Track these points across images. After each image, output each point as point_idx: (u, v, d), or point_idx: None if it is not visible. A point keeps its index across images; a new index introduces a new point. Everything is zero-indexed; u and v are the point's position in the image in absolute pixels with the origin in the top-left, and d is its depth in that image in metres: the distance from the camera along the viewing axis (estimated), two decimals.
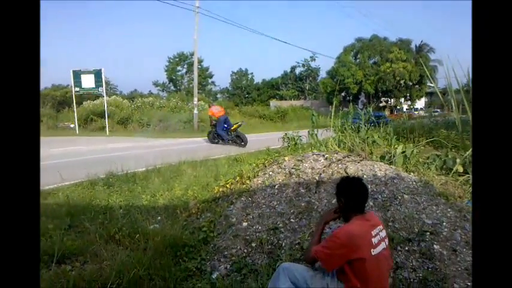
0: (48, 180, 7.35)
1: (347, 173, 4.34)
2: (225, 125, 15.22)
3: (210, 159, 9.75)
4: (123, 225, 4.54)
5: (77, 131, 21.39)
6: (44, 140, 15.43)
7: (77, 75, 20.73)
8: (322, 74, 52.37)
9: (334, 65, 44.43)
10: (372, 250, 2.26)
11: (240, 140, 14.88)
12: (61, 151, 13.42)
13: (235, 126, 15.30)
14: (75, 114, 21.62)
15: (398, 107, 45.51)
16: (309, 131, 8.74)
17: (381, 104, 44.74)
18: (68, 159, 11.38)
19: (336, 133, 8.32)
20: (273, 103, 46.18)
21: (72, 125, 22.50)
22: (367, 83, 42.20)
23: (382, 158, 6.15)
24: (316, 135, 8.42)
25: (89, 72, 20.86)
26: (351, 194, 2.43)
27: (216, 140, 15.39)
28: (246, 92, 57.86)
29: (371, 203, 3.83)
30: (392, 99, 46.37)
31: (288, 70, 55.85)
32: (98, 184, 7.27)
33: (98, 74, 20.85)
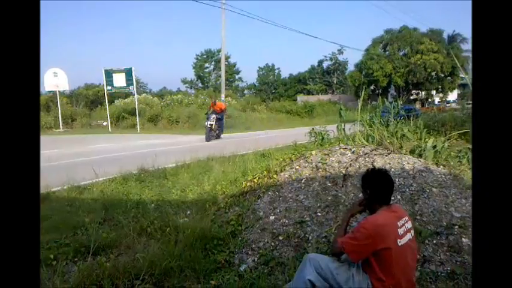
0: (84, 176, 7.69)
1: (374, 166, 4.31)
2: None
3: (238, 154, 9.86)
4: (155, 219, 4.71)
5: (110, 129, 22.04)
6: (78, 138, 16.06)
7: (108, 74, 21.35)
8: (350, 67, 51.53)
9: (362, 58, 43.57)
10: (398, 240, 2.29)
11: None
12: (95, 148, 13.90)
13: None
14: (108, 112, 22.27)
15: (429, 100, 44.24)
16: (337, 126, 8.69)
17: (411, 97, 43.59)
18: (101, 155, 11.77)
19: (364, 127, 8.21)
20: (300, 98, 45.86)
21: (104, 123, 23.20)
22: (397, 76, 41.15)
23: (412, 152, 6.05)
24: (343, 129, 8.36)
25: (120, 71, 21.43)
26: (377, 186, 2.46)
27: (214, 135, 16.12)
28: (273, 87, 57.74)
29: (398, 196, 3.81)
30: (423, 92, 45.08)
31: (315, 64, 55.33)
32: (130, 179, 7.53)
33: (128, 73, 21.39)
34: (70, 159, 11.02)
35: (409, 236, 2.38)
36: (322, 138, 8.52)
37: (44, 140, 10.50)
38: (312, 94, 50.12)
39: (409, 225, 2.42)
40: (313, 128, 9.19)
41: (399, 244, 2.30)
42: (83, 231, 4.59)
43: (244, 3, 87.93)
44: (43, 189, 6.55)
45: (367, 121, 8.51)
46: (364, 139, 6.99)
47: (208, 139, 15.43)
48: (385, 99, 13.98)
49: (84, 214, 5.26)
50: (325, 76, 54.27)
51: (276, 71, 59.20)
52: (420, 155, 5.63)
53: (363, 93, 10.70)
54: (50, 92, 23.71)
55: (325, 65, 54.45)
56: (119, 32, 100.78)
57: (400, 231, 2.33)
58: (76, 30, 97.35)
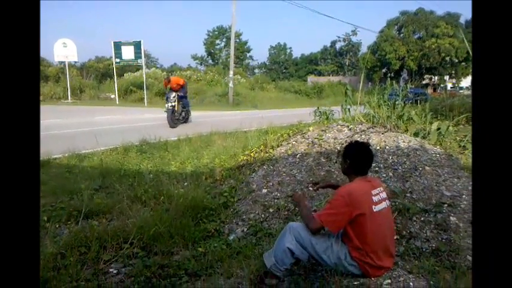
0: (85, 145, 7.76)
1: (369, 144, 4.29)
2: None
3: (241, 131, 9.86)
4: (150, 188, 4.75)
5: (117, 102, 22.13)
6: (85, 109, 16.18)
7: (117, 46, 21.31)
8: (364, 49, 50.72)
9: (376, 40, 42.77)
10: (373, 207, 2.35)
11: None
12: (100, 119, 13.99)
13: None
14: (116, 85, 22.32)
15: (442, 85, 43.50)
16: (341, 105, 8.60)
17: (423, 82, 42.87)
18: (106, 126, 11.86)
19: (370, 109, 8.12)
20: (311, 79, 45.42)
21: (112, 96, 23.29)
22: (410, 59, 40.40)
23: (416, 134, 5.98)
24: (349, 110, 8.27)
25: (129, 44, 21.36)
26: (356, 157, 2.53)
27: (179, 118, 12.67)
28: (284, 67, 57.23)
29: (390, 174, 3.78)
30: (436, 77, 44.31)
31: (328, 45, 54.56)
32: (131, 150, 7.57)
33: (137, 46, 21.32)
34: (74, 129, 11.11)
35: (384, 204, 2.43)
36: (327, 118, 8.46)
37: (51, 109, 10.61)
38: (323, 75, 49.56)
39: (383, 195, 2.47)
40: (318, 107, 9.11)
41: (374, 210, 2.34)
42: (79, 196, 4.64)
43: None
44: (44, 156, 6.64)
45: (374, 103, 8.40)
46: (369, 121, 6.90)
47: (172, 124, 12.02)
48: (394, 82, 13.73)
49: (82, 181, 5.33)
50: (337, 57, 53.57)
51: (288, 51, 58.60)
52: (424, 138, 5.56)
53: (362, 75, 10.52)
54: (60, 62, 23.78)
55: (338, 46, 53.73)
56: (131, 6, 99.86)
57: (375, 198, 2.39)
58: (88, 1, 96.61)
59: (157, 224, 3.59)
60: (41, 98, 21.44)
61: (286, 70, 56.55)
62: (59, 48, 21.45)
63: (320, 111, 8.84)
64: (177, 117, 12.42)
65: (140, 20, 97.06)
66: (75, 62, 27.57)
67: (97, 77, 30.28)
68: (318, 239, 2.44)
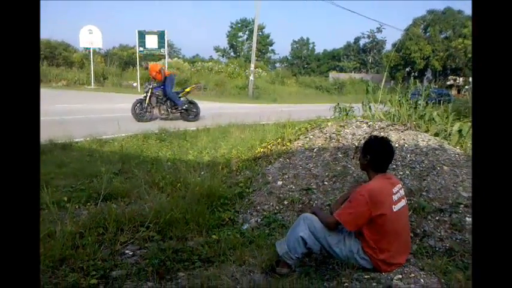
0: (106, 131, 7.93)
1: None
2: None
3: (260, 124, 9.88)
4: (167, 174, 4.83)
5: (139, 89, 22.40)
6: (107, 96, 16.41)
7: (141, 35, 21.58)
8: (388, 47, 49.87)
9: (401, 38, 41.98)
10: (393, 206, 2.31)
11: (192, 109, 11.09)
12: (121, 106, 14.21)
13: (188, 89, 11.53)
14: (138, 73, 22.61)
15: (466, 87, 42.44)
16: (362, 102, 8.51)
17: (448, 82, 41.92)
18: (126, 114, 12.05)
19: (392, 107, 8.01)
20: (332, 75, 44.98)
21: (134, 84, 23.59)
22: (435, 59, 39.52)
23: (437, 134, 5.89)
24: (369, 107, 8.18)
25: (153, 33, 21.60)
26: (377, 153, 2.48)
27: (149, 111, 10.76)
28: (306, 62, 56.78)
29: (407, 172, 3.75)
30: (461, 78, 43.28)
31: (352, 41, 53.87)
32: (151, 138, 7.71)
33: (161, 35, 21.54)
34: (96, 115, 11.34)
35: (403, 202, 2.42)
36: (346, 114, 8.39)
37: (75, 95, 10.83)
38: (345, 72, 49.00)
39: (402, 192, 2.46)
40: (338, 103, 9.05)
41: (394, 210, 2.32)
42: (98, 180, 4.76)
43: None
44: (66, 139, 6.82)
45: (396, 101, 8.28)
46: (390, 119, 6.82)
47: (137, 118, 10.52)
48: (417, 81, 13.43)
49: (102, 165, 5.46)
50: (361, 54, 52.86)
51: (310, 46, 58.08)
52: (445, 138, 5.48)
53: (385, 73, 10.37)
54: (85, 48, 24.18)
55: (361, 42, 53.02)
56: None
57: (395, 197, 2.36)
58: None
59: (173, 210, 3.66)
60: (65, 83, 21.96)
61: (308, 65, 56.09)
62: (85, 34, 21.83)
63: (340, 107, 8.79)
64: (148, 111, 10.69)
65: (165, 9, 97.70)
66: (100, 49, 28.02)
67: (120, 65, 30.68)
68: (331, 232, 2.46)
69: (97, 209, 3.66)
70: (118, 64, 29.97)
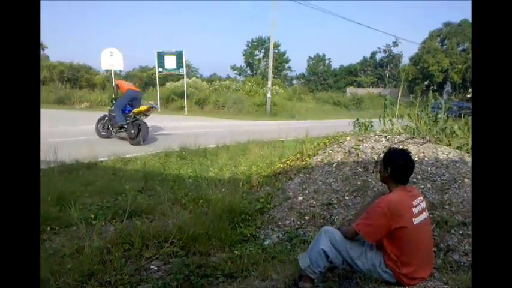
0: (128, 150, 8.13)
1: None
2: (129, 106, 10.02)
3: (278, 140, 9.95)
4: (190, 191, 4.93)
5: (159, 110, 22.85)
6: None
7: (160, 56, 22.09)
8: (405, 61, 49.55)
9: (418, 51, 41.72)
10: (413, 219, 2.31)
11: (135, 130, 9.58)
12: None
13: (143, 108, 9.91)
14: (158, 93, 23.08)
15: None
16: (379, 116, 8.49)
17: (468, 95, 41.22)
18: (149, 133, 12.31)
19: (411, 121, 7.96)
20: (350, 90, 44.87)
21: (153, 103, 24.06)
22: (454, 72, 39.00)
23: (459, 148, 5.83)
24: (390, 121, 8.15)
25: (171, 54, 22.09)
26: (398, 165, 2.47)
27: (105, 130, 10.39)
28: (322, 78, 56.87)
29: (429, 185, 3.74)
30: None
31: (368, 56, 53.81)
32: (172, 156, 7.87)
33: (179, 56, 22.00)
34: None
35: (424, 215, 2.40)
36: (366, 129, 8.38)
37: (97, 115, 11.13)
38: (363, 87, 48.80)
39: (423, 205, 2.45)
40: (357, 119, 9.05)
41: (414, 223, 2.32)
42: (123, 197, 4.88)
43: None
44: (91, 159, 7.02)
45: (415, 115, 8.22)
46: (410, 133, 6.78)
47: (98, 133, 10.39)
48: (437, 95, 13.23)
49: (126, 182, 5.61)
50: (378, 69, 52.66)
51: (327, 61, 58.21)
52: (467, 152, 5.42)
53: (401, 87, 10.29)
54: (106, 70, 24.87)
55: (378, 57, 52.85)
56: (173, 18, 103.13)
57: (415, 210, 2.35)
58: (132, 12, 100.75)
59: (196, 226, 3.74)
60: (88, 104, 22.55)
61: (325, 81, 56.18)
62: (106, 57, 22.45)
63: (359, 122, 8.80)
64: (106, 127, 10.34)
65: (183, 31, 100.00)
66: (121, 71, 28.70)
67: (140, 86, 31.38)
68: (353, 244, 2.47)
69: (122, 226, 3.76)
70: (138, 85, 30.64)
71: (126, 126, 9.65)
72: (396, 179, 2.49)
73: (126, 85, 10.44)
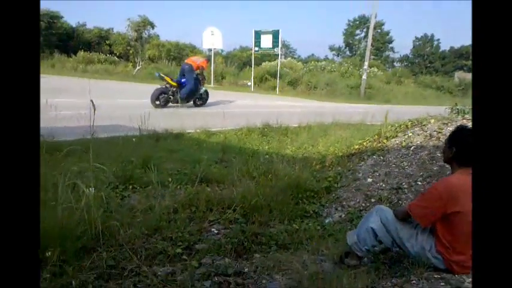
0: (215, 123, 8.57)
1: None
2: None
3: (364, 123, 9.62)
4: (261, 165, 5.06)
5: (252, 89, 23.46)
6: (222, 93, 17.47)
7: (257, 35, 22.49)
8: None
9: None
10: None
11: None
12: (233, 103, 15.11)
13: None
14: (252, 73, 23.66)
15: None
16: None
17: None
18: (237, 109, 12.79)
19: None
20: (458, 74, 40.80)
21: (249, 83, 24.73)
22: None
23: None
24: None
25: (268, 33, 22.34)
26: (464, 144, 2.23)
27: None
28: (428, 60, 52.51)
29: None
30: None
31: None
32: (254, 132, 8.11)
33: (275, 35, 22.16)
34: (208, 109, 12.28)
35: None
36: (463, 116, 7.65)
37: None
38: None
39: None
40: (455, 104, 8.29)
41: None
42: (200, 164, 5.22)
43: None
44: (180, 130, 7.57)
45: None
46: None
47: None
48: None
49: (206, 153, 5.96)
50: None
51: (435, 43, 53.49)
52: None
53: None
54: (208, 50, 26.14)
55: None
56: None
57: None
58: None
59: (259, 196, 3.86)
60: None
61: (431, 64, 51.74)
62: (207, 36, 23.58)
63: (458, 109, 8.04)
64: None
65: (282, 10, 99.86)
66: (222, 50, 29.94)
67: (239, 65, 32.41)
68: (404, 225, 2.35)
69: (192, 190, 4.04)
70: (237, 65, 31.72)
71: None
72: (460, 160, 2.26)
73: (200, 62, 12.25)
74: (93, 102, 2.71)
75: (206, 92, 12.93)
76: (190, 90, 11.68)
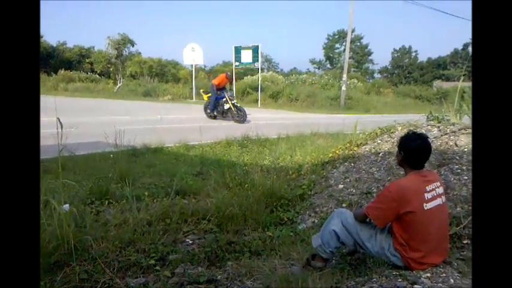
0: (194, 138, 8.63)
1: (456, 145, 3.98)
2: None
3: (342, 133, 9.79)
4: (238, 176, 5.13)
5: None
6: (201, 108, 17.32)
7: (237, 50, 22.76)
8: None
9: None
10: (424, 204, 2.24)
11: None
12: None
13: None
14: (234, 87, 23.84)
15: None
16: (455, 109, 7.91)
17: None
18: (216, 123, 12.86)
19: None
20: (436, 84, 41.81)
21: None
22: None
23: None
24: (466, 114, 7.57)
25: (248, 48, 22.62)
26: (411, 150, 2.40)
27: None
28: (407, 71, 53.71)
29: (465, 177, 3.49)
30: None
31: (460, 48, 49.67)
32: (233, 144, 8.19)
33: (255, 50, 22.45)
34: (188, 124, 12.31)
35: (439, 201, 2.31)
36: (439, 123, 7.86)
37: (178, 107, 11.96)
38: (452, 81, 45.20)
39: (440, 190, 2.34)
40: (430, 112, 8.53)
41: (425, 208, 2.24)
42: (177, 178, 5.27)
43: None
44: (158, 144, 7.61)
45: None
46: None
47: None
48: None
49: (184, 167, 6.02)
50: (470, 61, 48.36)
51: (413, 54, 54.82)
52: None
53: None
54: (191, 65, 26.26)
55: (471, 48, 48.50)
56: (257, 15, 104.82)
57: (428, 195, 2.27)
58: (216, 9, 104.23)
59: (233, 206, 3.92)
60: (171, 97, 24.04)
61: (410, 75, 52.92)
62: (188, 52, 23.73)
63: (433, 116, 8.26)
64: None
65: (262, 26, 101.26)
66: (205, 66, 30.06)
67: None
68: (364, 227, 2.47)
69: (168, 203, 4.09)
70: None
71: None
72: (409, 163, 2.43)
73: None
74: (59, 120, 2.76)
75: (237, 107, 13.40)
76: (212, 106, 13.39)
